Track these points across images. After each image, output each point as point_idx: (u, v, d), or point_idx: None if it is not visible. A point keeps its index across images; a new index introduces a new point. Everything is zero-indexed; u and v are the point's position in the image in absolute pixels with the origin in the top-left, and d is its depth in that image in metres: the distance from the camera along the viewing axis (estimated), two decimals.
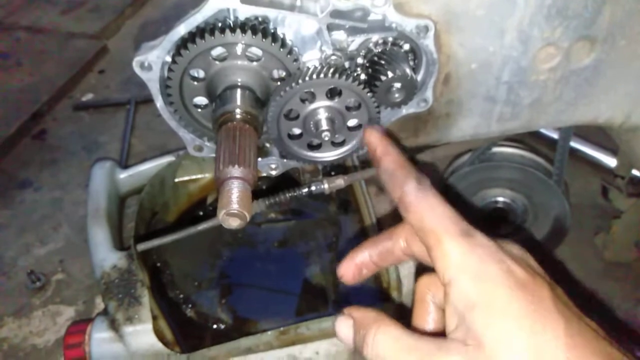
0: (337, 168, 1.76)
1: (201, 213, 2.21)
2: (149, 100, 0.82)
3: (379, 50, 0.79)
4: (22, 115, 3.23)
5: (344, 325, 0.64)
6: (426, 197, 0.62)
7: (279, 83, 0.79)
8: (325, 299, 1.94)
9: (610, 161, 2.31)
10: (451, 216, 0.60)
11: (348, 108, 0.80)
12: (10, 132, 3.12)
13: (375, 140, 0.73)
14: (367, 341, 0.59)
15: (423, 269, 0.65)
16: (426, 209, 0.61)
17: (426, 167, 2.13)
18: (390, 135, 0.84)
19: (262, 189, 1.93)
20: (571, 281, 2.08)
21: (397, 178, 0.66)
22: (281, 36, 0.76)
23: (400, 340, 0.57)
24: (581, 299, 0.57)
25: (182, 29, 0.74)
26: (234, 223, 0.65)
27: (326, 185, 1.08)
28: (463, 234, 0.57)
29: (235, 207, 0.64)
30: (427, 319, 0.66)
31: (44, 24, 4.06)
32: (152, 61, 0.77)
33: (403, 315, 0.72)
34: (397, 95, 0.79)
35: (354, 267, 0.71)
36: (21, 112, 3.25)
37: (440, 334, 0.65)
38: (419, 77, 0.84)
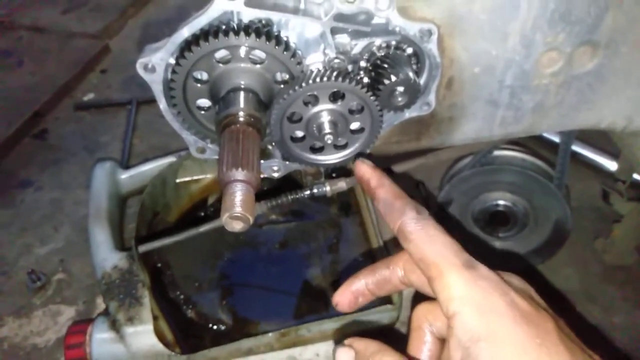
0: (339, 170, 1.76)
1: (202, 214, 2.22)
2: (150, 101, 0.83)
3: (382, 53, 0.79)
4: (23, 114, 3.23)
5: (344, 356, 0.63)
6: (426, 227, 0.62)
7: (282, 86, 0.79)
8: (326, 301, 1.94)
9: (611, 165, 2.31)
10: (453, 247, 0.60)
11: (351, 111, 0.80)
12: (11, 132, 3.12)
13: (367, 172, 0.73)
14: None
15: (419, 294, 0.65)
16: (426, 240, 0.61)
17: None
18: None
19: (264, 190, 1.94)
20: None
21: (395, 208, 0.65)
22: (285, 39, 0.76)
23: None
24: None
25: (185, 32, 0.74)
26: (237, 226, 0.65)
27: (328, 188, 1.09)
28: (466, 266, 0.57)
29: (238, 210, 0.64)
30: (422, 348, 0.65)
31: (46, 23, 4.06)
32: (156, 63, 0.77)
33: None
34: (400, 98, 0.79)
35: (350, 296, 0.70)
36: (22, 111, 3.25)
37: None
38: (422, 81, 0.84)
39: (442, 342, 0.64)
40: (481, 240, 2.17)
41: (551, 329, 0.53)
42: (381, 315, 1.59)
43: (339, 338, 1.58)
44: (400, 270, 0.67)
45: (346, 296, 0.70)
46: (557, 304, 0.59)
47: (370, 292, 0.70)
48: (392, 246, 1.71)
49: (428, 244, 0.60)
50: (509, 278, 0.59)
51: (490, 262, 0.59)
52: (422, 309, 0.65)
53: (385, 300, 1.65)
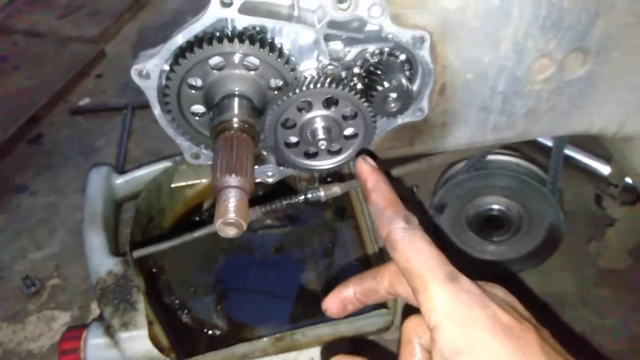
0: (333, 175, 1.77)
1: (197, 218, 2.22)
2: (145, 106, 0.83)
3: (376, 60, 0.80)
4: (18, 119, 3.22)
5: None
6: (413, 237, 0.62)
7: (276, 92, 0.80)
8: (321, 306, 1.94)
9: (604, 169, 2.32)
10: (438, 259, 0.60)
11: (344, 117, 0.80)
12: (7, 136, 3.11)
13: (366, 172, 0.73)
14: None
15: (410, 307, 0.66)
16: (412, 251, 0.61)
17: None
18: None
19: (258, 195, 1.94)
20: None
21: (385, 215, 0.65)
22: (278, 46, 0.77)
23: None
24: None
25: (180, 39, 0.75)
26: (230, 232, 0.65)
27: (322, 193, 1.09)
28: (449, 278, 0.57)
29: (232, 216, 0.64)
30: None
31: (42, 28, 4.05)
32: (150, 69, 0.77)
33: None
34: (393, 104, 0.80)
35: (339, 303, 0.71)
36: (18, 116, 3.24)
37: None
38: (415, 87, 0.85)
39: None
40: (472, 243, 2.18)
41: (533, 341, 0.53)
42: (376, 320, 1.60)
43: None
44: (387, 281, 0.68)
45: (334, 304, 0.71)
46: (548, 308, 0.59)
47: (358, 301, 0.71)
48: (387, 251, 1.71)
49: (413, 255, 0.60)
50: (492, 289, 0.60)
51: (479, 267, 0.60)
52: (411, 322, 0.65)
53: (381, 304, 1.65)
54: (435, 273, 0.58)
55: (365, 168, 0.73)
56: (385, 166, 0.81)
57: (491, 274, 2.08)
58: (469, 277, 0.59)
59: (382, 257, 1.74)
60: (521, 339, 0.53)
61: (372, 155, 0.81)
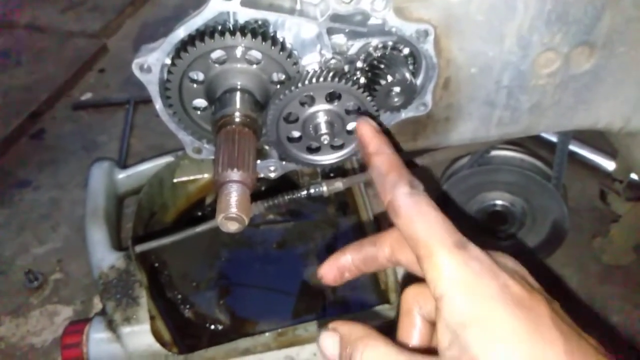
0: (336, 171, 1.76)
1: (200, 214, 2.22)
2: (148, 100, 0.82)
3: (379, 54, 0.79)
4: (20, 114, 3.22)
5: (329, 340, 0.59)
6: (418, 203, 0.58)
7: (278, 86, 0.79)
8: (323, 301, 1.94)
9: (609, 165, 2.31)
10: (445, 225, 0.56)
11: (347, 112, 0.80)
12: (9, 131, 3.12)
13: (368, 134, 0.68)
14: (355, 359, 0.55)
15: (409, 278, 0.63)
16: (418, 216, 0.57)
17: (423, 171, 2.12)
18: (387, 133, 0.83)
19: (261, 190, 1.93)
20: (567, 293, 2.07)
21: (388, 180, 0.62)
22: (281, 39, 0.76)
23: (390, 358, 0.54)
24: (578, 311, 0.56)
25: (181, 32, 0.74)
26: (232, 227, 0.65)
27: (325, 188, 1.09)
28: (457, 246, 0.54)
29: (233, 211, 0.64)
30: (413, 332, 0.63)
31: (44, 23, 4.05)
32: (152, 63, 0.77)
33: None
34: (396, 99, 0.79)
35: (336, 270, 0.68)
36: (20, 111, 3.25)
37: (427, 349, 0.62)
38: (419, 81, 0.84)
39: (433, 325, 0.60)
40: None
41: (544, 312, 0.51)
42: (378, 315, 1.59)
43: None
44: (387, 248, 0.65)
45: (332, 270, 0.68)
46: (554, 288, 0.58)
47: (357, 268, 0.68)
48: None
49: (419, 221, 0.57)
50: (502, 259, 0.57)
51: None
52: (412, 291, 0.62)
53: (383, 299, 1.65)
54: (443, 240, 0.55)
55: (367, 130, 0.69)
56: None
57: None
58: (479, 246, 0.56)
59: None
60: (532, 311, 0.51)
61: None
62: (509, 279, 0.53)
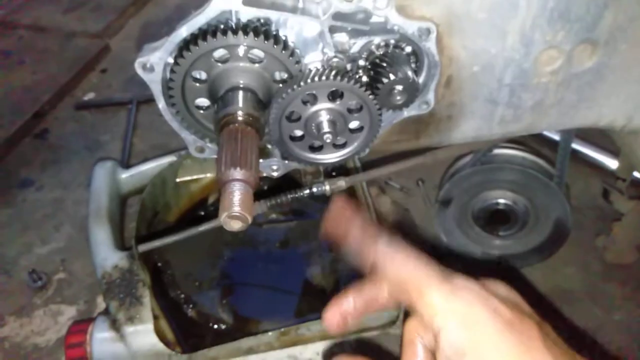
0: (339, 169, 1.76)
1: (202, 213, 2.22)
2: (150, 100, 0.82)
3: (381, 52, 0.79)
4: (23, 114, 3.23)
5: None
6: (398, 251, 0.62)
7: (280, 85, 0.79)
8: (326, 300, 1.94)
9: (612, 163, 2.31)
10: (427, 264, 0.60)
11: (350, 110, 0.80)
12: (12, 131, 3.12)
13: (338, 211, 0.72)
14: None
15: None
16: (400, 263, 0.61)
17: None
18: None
19: (263, 189, 1.93)
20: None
21: (366, 243, 0.65)
22: (283, 38, 0.76)
23: None
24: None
25: (184, 31, 0.74)
26: (235, 225, 0.65)
27: (327, 187, 1.09)
28: (442, 280, 0.57)
29: (237, 209, 0.64)
30: None
31: (46, 23, 4.05)
32: (155, 62, 0.77)
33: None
34: (399, 97, 0.79)
35: (339, 316, 0.69)
36: (23, 111, 3.25)
37: None
38: (421, 80, 0.84)
39: (434, 356, 0.63)
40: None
41: (535, 335, 0.53)
42: (381, 315, 1.59)
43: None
44: (386, 292, 0.66)
45: (335, 317, 0.70)
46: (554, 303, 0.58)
47: (359, 312, 0.69)
48: None
49: (402, 267, 0.60)
50: (494, 287, 0.59)
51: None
52: (413, 323, 0.64)
53: None
54: (427, 278, 0.58)
55: (339, 206, 0.72)
56: (383, 162, 0.78)
57: (497, 271, 2.08)
58: (466, 275, 0.59)
59: None
60: (524, 334, 0.53)
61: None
62: (499, 304, 0.55)
